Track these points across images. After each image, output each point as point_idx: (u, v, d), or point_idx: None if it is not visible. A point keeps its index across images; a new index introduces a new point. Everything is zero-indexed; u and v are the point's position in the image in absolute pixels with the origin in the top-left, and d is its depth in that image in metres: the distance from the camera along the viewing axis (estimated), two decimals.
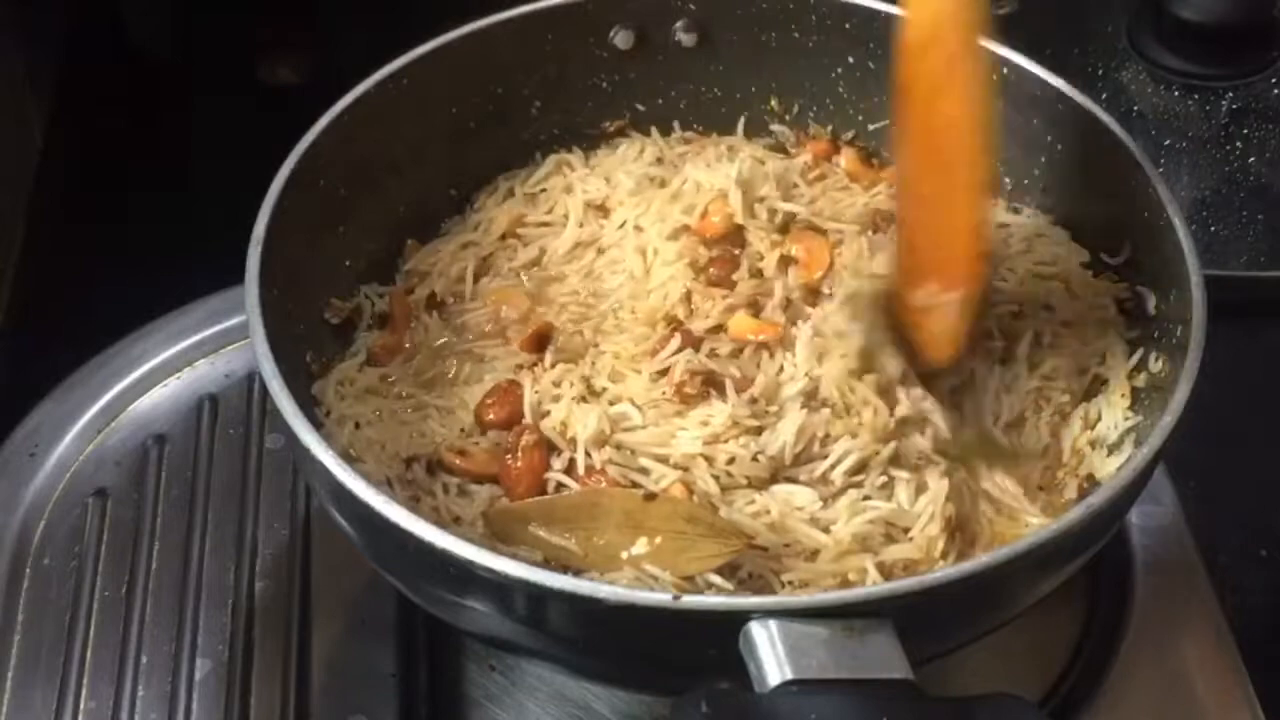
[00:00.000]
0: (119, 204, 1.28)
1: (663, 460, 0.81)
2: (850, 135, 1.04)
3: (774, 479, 0.81)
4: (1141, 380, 0.88)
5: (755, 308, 0.88)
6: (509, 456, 0.83)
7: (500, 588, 0.70)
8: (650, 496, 0.79)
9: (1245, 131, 1.24)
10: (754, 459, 0.81)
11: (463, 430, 0.86)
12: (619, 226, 0.95)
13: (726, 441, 0.81)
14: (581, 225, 0.97)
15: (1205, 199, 1.20)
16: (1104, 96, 1.25)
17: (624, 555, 0.77)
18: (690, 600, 0.68)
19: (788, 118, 1.04)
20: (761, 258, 0.91)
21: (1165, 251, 0.85)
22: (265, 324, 0.79)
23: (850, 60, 1.00)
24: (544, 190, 1.00)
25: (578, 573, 0.76)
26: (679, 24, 1.01)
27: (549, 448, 0.83)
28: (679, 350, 0.85)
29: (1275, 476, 1.10)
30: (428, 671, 0.91)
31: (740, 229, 0.93)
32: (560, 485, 0.82)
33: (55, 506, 0.98)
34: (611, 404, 0.84)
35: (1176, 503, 0.98)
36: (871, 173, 1.01)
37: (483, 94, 0.99)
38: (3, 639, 0.92)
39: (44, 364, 1.08)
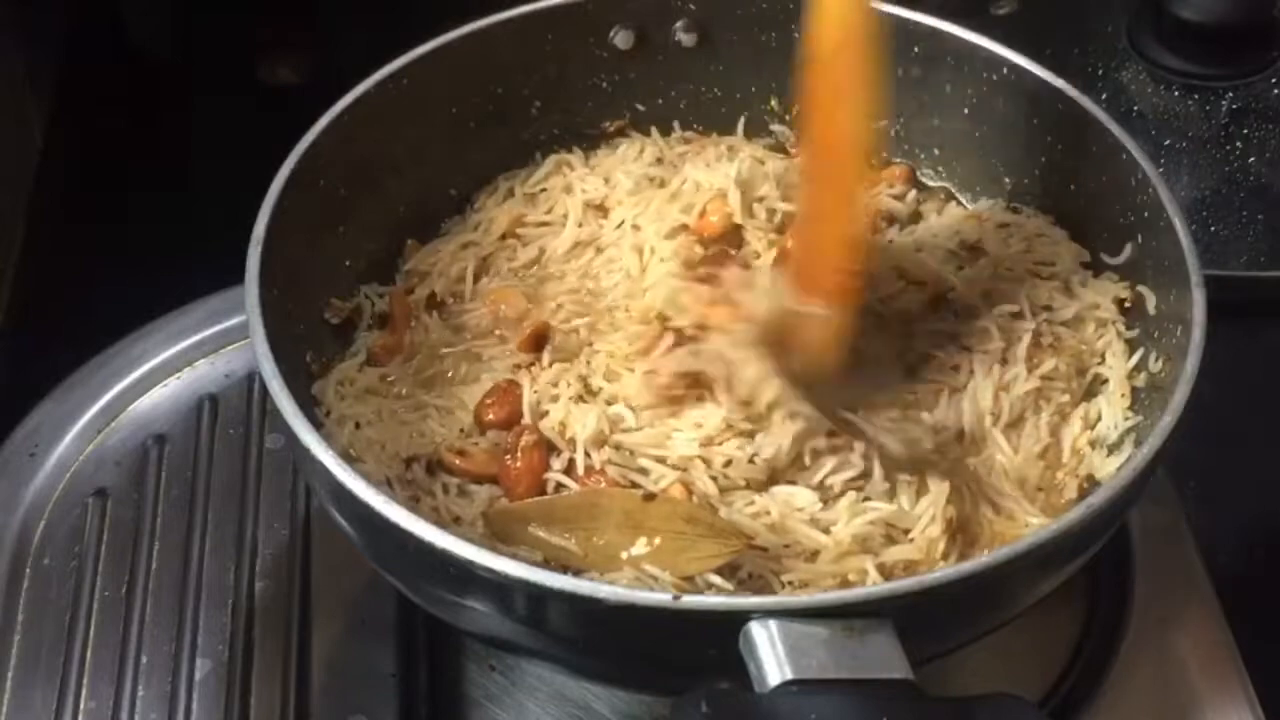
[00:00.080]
0: (119, 204, 1.28)
1: (661, 461, 0.81)
2: None
3: (773, 480, 0.81)
4: (1141, 380, 0.88)
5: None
6: (508, 457, 0.83)
7: (500, 588, 0.70)
8: (650, 497, 0.79)
9: (1245, 131, 1.24)
10: (750, 461, 0.81)
11: (462, 430, 0.86)
12: (617, 226, 0.95)
13: (722, 444, 0.81)
14: (581, 225, 0.97)
15: (1205, 199, 1.20)
16: (1104, 96, 1.25)
17: (624, 555, 0.77)
18: (690, 600, 0.68)
19: (788, 118, 1.04)
20: (758, 256, 0.91)
21: (1165, 251, 0.85)
22: (265, 324, 0.79)
23: None
24: (544, 190, 1.00)
25: (578, 573, 0.76)
26: (679, 24, 1.01)
27: (548, 448, 0.83)
28: (670, 349, 0.85)
29: (1275, 476, 1.10)
30: (428, 671, 0.91)
31: (739, 229, 0.93)
32: (560, 485, 0.82)
33: (55, 506, 0.98)
34: (609, 404, 0.84)
35: (1176, 503, 0.98)
36: (871, 173, 1.01)
37: (483, 94, 0.99)
38: (3, 639, 0.91)
39: (44, 364, 1.08)
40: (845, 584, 0.77)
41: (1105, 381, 0.89)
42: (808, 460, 0.81)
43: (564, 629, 0.71)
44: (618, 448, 0.82)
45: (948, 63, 0.97)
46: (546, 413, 0.84)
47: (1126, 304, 0.91)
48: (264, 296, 0.80)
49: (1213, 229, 1.18)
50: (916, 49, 0.98)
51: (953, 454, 0.84)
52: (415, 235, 0.98)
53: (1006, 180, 0.99)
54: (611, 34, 1.01)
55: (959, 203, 1.01)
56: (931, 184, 1.02)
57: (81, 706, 0.88)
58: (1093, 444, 0.87)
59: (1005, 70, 0.94)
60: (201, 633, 0.91)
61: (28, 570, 0.95)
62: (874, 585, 0.76)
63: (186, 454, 1.00)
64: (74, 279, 1.20)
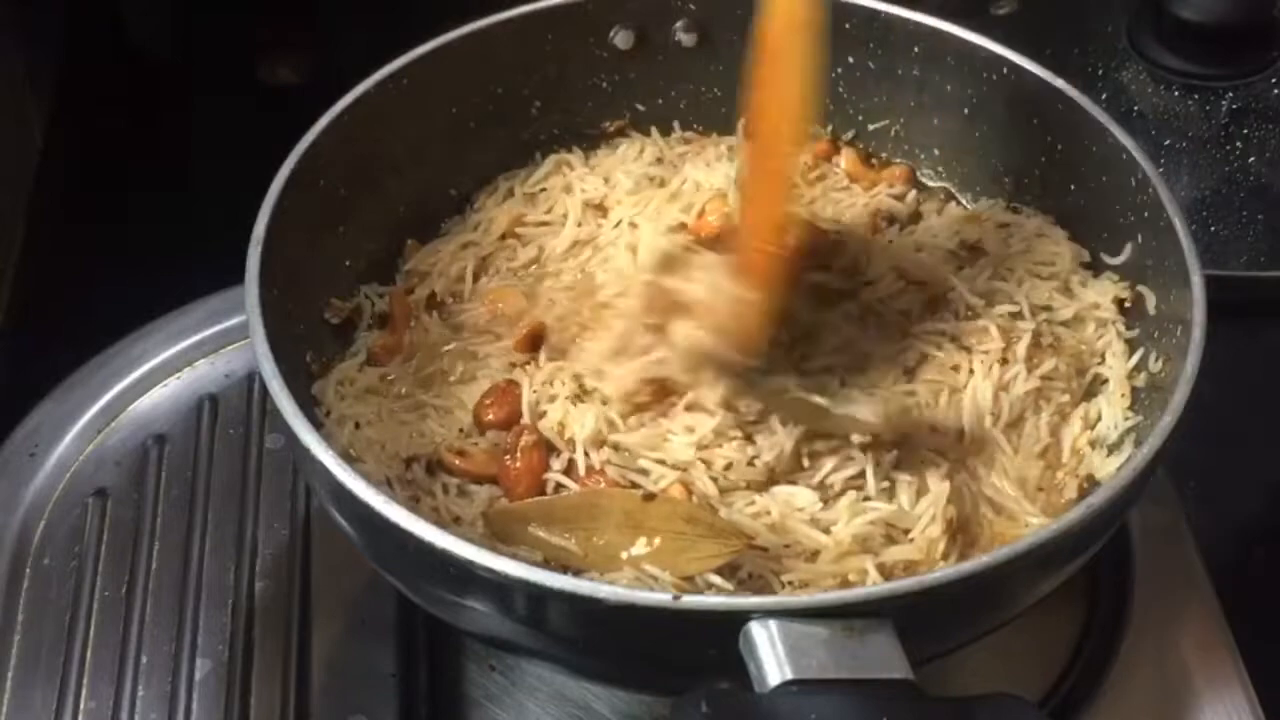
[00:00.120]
0: (119, 204, 1.28)
1: (661, 461, 0.81)
2: (850, 135, 1.04)
3: (773, 480, 0.81)
4: (1141, 380, 0.88)
5: None
6: (508, 457, 0.83)
7: (500, 588, 0.70)
8: (650, 497, 0.79)
9: (1245, 131, 1.24)
10: (749, 463, 0.81)
11: (462, 430, 0.86)
12: (615, 225, 0.95)
13: (721, 446, 0.81)
14: (580, 225, 0.97)
15: (1205, 199, 1.20)
16: (1104, 96, 1.25)
17: (624, 555, 0.77)
18: (690, 600, 0.68)
19: None
20: None
21: (1165, 251, 0.85)
22: (265, 324, 0.79)
23: (850, 60, 1.00)
24: (544, 190, 1.00)
25: (578, 573, 0.76)
26: (679, 24, 1.02)
27: (548, 448, 0.83)
28: (643, 352, 0.84)
29: (1275, 476, 1.10)
30: (428, 671, 0.91)
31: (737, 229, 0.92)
32: (559, 486, 0.82)
33: (55, 506, 0.98)
34: (604, 404, 0.84)
35: (1177, 503, 0.98)
36: (871, 173, 1.01)
37: (483, 94, 0.99)
38: (3, 639, 0.92)
39: (44, 364, 1.08)
40: (845, 584, 0.77)
41: (1105, 381, 0.89)
42: (807, 461, 0.81)
43: (564, 629, 0.71)
44: (617, 448, 0.82)
45: (948, 63, 0.97)
46: (545, 413, 0.84)
47: (1126, 304, 0.91)
48: (264, 296, 0.80)
49: (1213, 229, 1.18)
50: (916, 49, 0.98)
51: (953, 454, 0.84)
52: (415, 235, 0.98)
53: (1006, 180, 0.99)
54: (611, 34, 1.01)
55: (959, 203, 1.01)
56: (931, 184, 1.02)
57: (81, 706, 0.88)
58: (1093, 444, 0.87)
59: (1005, 70, 0.94)
60: (201, 633, 0.91)
61: (28, 570, 0.95)
62: (874, 585, 0.76)
63: (186, 454, 1.00)
64: (74, 279, 1.20)
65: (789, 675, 0.65)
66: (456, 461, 0.84)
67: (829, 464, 0.81)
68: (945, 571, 0.69)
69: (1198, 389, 0.78)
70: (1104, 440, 0.87)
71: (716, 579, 0.76)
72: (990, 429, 0.86)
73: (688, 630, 0.68)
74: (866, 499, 0.80)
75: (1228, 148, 1.23)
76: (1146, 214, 0.87)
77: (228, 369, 1.05)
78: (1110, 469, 0.85)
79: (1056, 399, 0.88)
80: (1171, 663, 0.92)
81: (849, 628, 0.67)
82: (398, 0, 1.22)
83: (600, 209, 0.98)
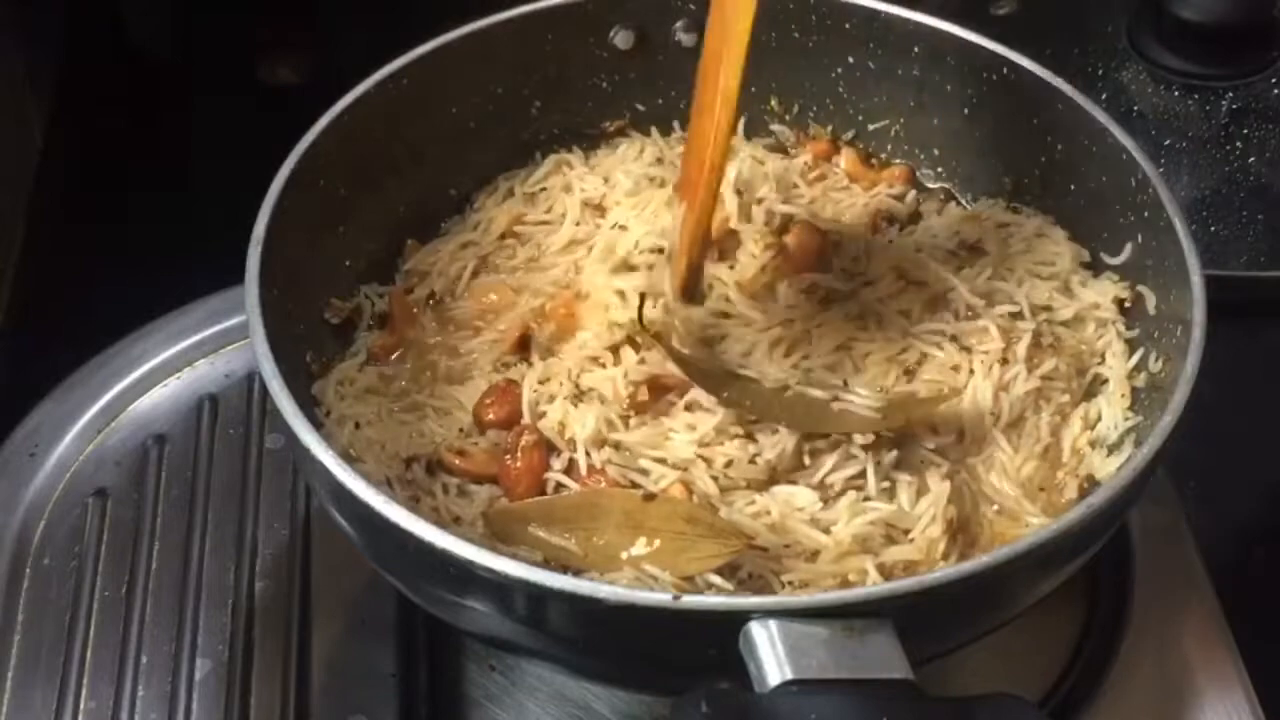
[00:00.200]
0: (119, 204, 1.28)
1: (661, 461, 0.81)
2: (850, 135, 1.04)
3: (773, 480, 0.81)
4: (1141, 380, 0.88)
5: None
6: (508, 457, 0.83)
7: (500, 588, 0.70)
8: (650, 497, 0.79)
9: (1245, 131, 1.24)
10: (751, 462, 0.81)
11: (462, 430, 0.86)
12: (612, 226, 0.95)
13: (722, 444, 0.81)
14: (578, 224, 0.97)
15: (1205, 199, 1.20)
16: (1104, 96, 1.25)
17: (624, 555, 0.77)
18: (690, 600, 0.68)
19: (788, 118, 1.04)
20: (754, 257, 0.91)
21: (1165, 251, 0.85)
22: (265, 324, 0.79)
23: (850, 60, 1.00)
24: (543, 190, 1.00)
25: (578, 573, 0.76)
26: (679, 24, 1.02)
27: (548, 448, 0.83)
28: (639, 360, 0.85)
29: (1275, 476, 1.10)
30: (428, 671, 0.91)
31: (735, 233, 0.92)
32: (560, 485, 0.82)
33: (55, 506, 0.98)
34: (604, 403, 0.84)
35: (1176, 503, 0.98)
36: (871, 173, 1.02)
37: (483, 94, 0.99)
38: (3, 639, 0.92)
39: (44, 364, 1.08)
40: (845, 584, 0.77)
41: (1105, 381, 0.89)
42: (808, 459, 0.81)
43: (564, 629, 0.71)
44: (618, 447, 0.82)
45: (948, 63, 0.97)
46: (545, 413, 0.84)
47: (1126, 304, 0.91)
48: (264, 296, 0.80)
49: (1213, 229, 1.18)
50: (916, 49, 0.98)
51: (953, 454, 0.84)
52: (415, 235, 0.98)
53: (1006, 180, 0.99)
54: (611, 34, 1.01)
55: (959, 203, 1.01)
56: (931, 184, 1.02)
57: (81, 706, 0.88)
58: (1093, 444, 0.87)
59: (1005, 70, 0.94)
60: (201, 633, 0.91)
61: (28, 570, 0.95)
62: (874, 585, 0.76)
63: (186, 454, 1.00)
64: (74, 279, 1.20)
65: (789, 675, 0.65)
66: (456, 461, 0.84)
67: (830, 462, 0.81)
68: (945, 571, 0.69)
69: (1198, 389, 0.77)
70: (1104, 440, 0.87)
71: (716, 579, 0.76)
72: (990, 429, 0.86)
73: (688, 630, 0.68)
74: (867, 499, 0.80)
75: (1228, 148, 1.23)
76: (1146, 214, 0.87)
77: (228, 369, 1.05)
78: (1110, 469, 0.85)
79: (1056, 399, 0.88)
80: (1171, 662, 0.92)
81: (849, 628, 0.67)
82: (398, 0, 1.22)
83: (599, 209, 0.98)
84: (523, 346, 0.90)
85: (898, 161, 1.03)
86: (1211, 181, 1.22)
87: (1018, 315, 0.90)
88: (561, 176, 1.00)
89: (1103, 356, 0.90)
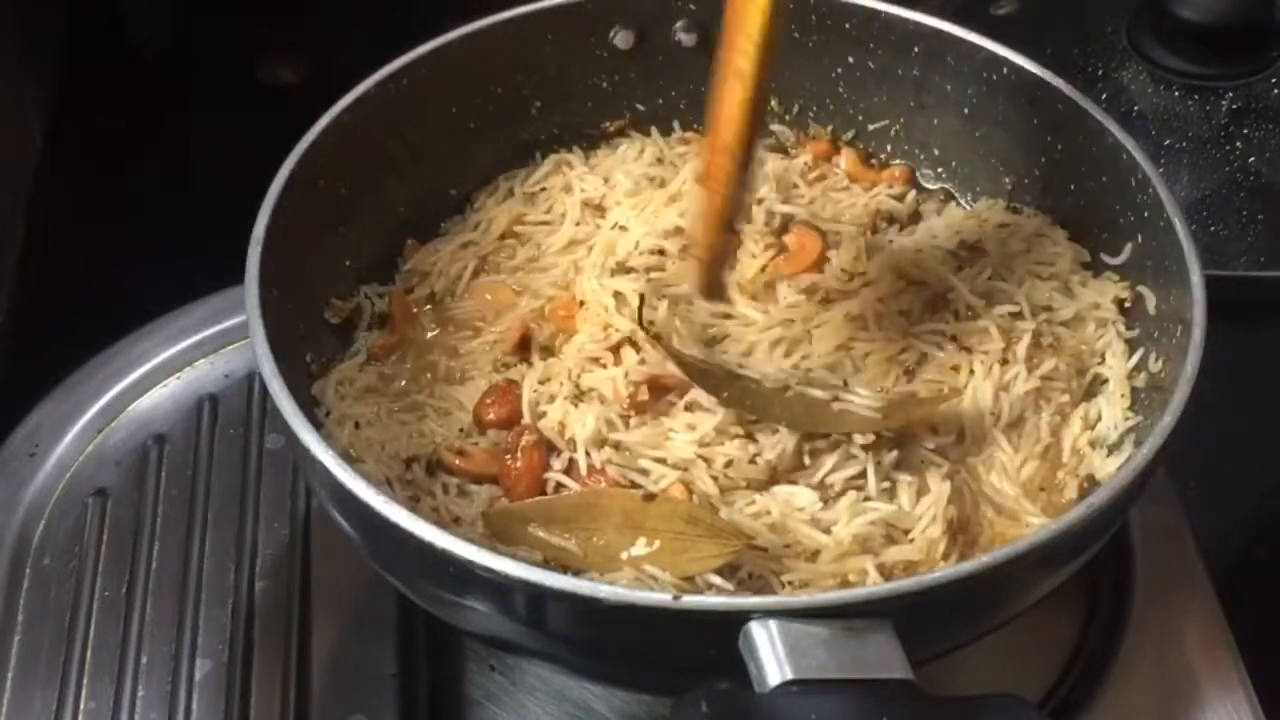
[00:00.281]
0: (119, 204, 1.28)
1: (661, 461, 0.81)
2: (850, 135, 1.04)
3: (773, 480, 0.81)
4: (1141, 380, 0.88)
5: None
6: (508, 457, 0.83)
7: (500, 588, 0.70)
8: (650, 497, 0.79)
9: (1245, 131, 1.24)
10: (751, 462, 0.81)
11: (462, 430, 0.86)
12: (612, 226, 0.95)
13: (722, 444, 0.81)
14: (578, 224, 0.97)
15: (1205, 199, 1.20)
16: (1104, 96, 1.25)
17: (624, 556, 0.77)
18: (690, 600, 0.68)
19: (788, 118, 1.04)
20: (755, 257, 0.91)
21: (1165, 251, 0.85)
22: (265, 324, 0.79)
23: (850, 60, 1.00)
24: (543, 190, 1.00)
25: (577, 573, 0.76)
26: (679, 24, 1.02)
27: (548, 448, 0.83)
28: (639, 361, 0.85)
29: (1275, 476, 1.10)
30: (428, 671, 0.91)
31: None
32: (560, 485, 0.82)
33: (55, 506, 0.98)
34: (604, 403, 0.84)
35: (1176, 503, 0.98)
36: (871, 173, 1.02)
37: (483, 94, 0.99)
38: (3, 639, 0.91)
39: (44, 364, 1.08)
40: (845, 584, 0.77)
41: (1105, 381, 0.89)
42: (808, 459, 0.81)
43: (564, 629, 0.71)
44: (618, 447, 0.82)
45: (948, 63, 0.97)
46: (545, 413, 0.84)
47: (1126, 304, 0.91)
48: (264, 296, 0.80)
49: (1213, 229, 1.18)
50: (916, 49, 0.98)
51: (953, 454, 0.84)
52: (415, 235, 0.98)
53: (1006, 180, 0.99)
54: (611, 34, 1.01)
55: (959, 203, 1.01)
56: (931, 184, 1.02)
57: (81, 706, 0.88)
58: (1093, 444, 0.87)
59: (1005, 70, 0.94)
60: (201, 633, 0.91)
61: (28, 570, 0.95)
62: (874, 585, 0.76)
63: (186, 454, 1.00)
64: (74, 279, 1.20)
65: (789, 675, 0.65)
66: (456, 461, 0.84)
67: (830, 462, 0.81)
68: (945, 571, 0.69)
69: (1198, 389, 0.78)
70: (1104, 440, 0.87)
71: (716, 579, 0.76)
72: (990, 429, 0.86)
73: (688, 630, 0.68)
74: (867, 499, 0.81)
75: (1228, 148, 1.23)
76: (1146, 214, 0.87)
77: (228, 369, 1.05)
78: (1110, 469, 0.85)
79: (1056, 399, 0.88)
80: (1172, 662, 0.92)
81: (849, 628, 0.67)
82: (398, 0, 1.22)
83: (599, 209, 0.98)
84: (523, 347, 0.90)
85: (898, 161, 1.03)
86: (1211, 181, 1.22)
87: (1018, 315, 0.90)
88: (561, 176, 1.00)
89: (1103, 356, 0.90)
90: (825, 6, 0.99)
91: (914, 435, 0.83)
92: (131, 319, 1.08)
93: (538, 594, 0.69)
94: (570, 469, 0.83)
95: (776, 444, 0.81)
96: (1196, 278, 0.82)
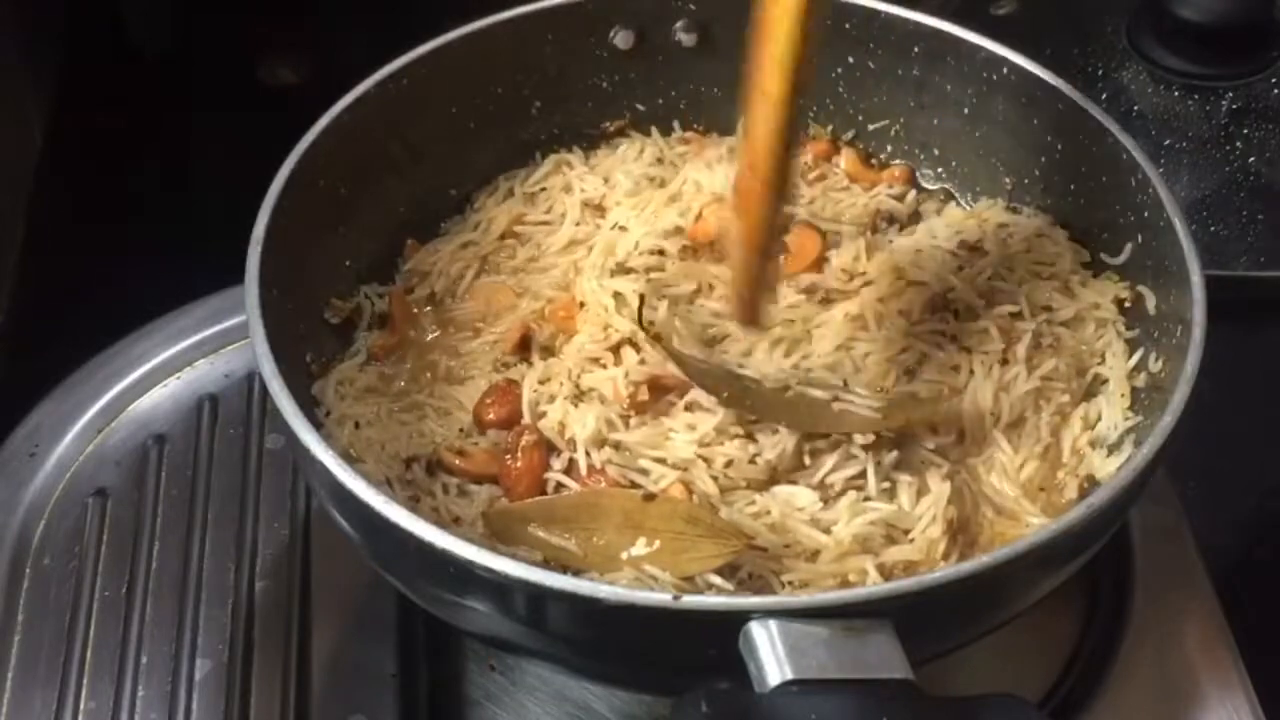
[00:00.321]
0: (119, 204, 1.28)
1: (661, 461, 0.81)
2: (850, 135, 1.04)
3: (773, 480, 0.81)
4: (1141, 380, 0.88)
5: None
6: (508, 457, 0.83)
7: (500, 588, 0.70)
8: (650, 497, 0.79)
9: (1245, 131, 1.24)
10: (751, 461, 0.81)
11: (462, 430, 0.86)
12: (611, 226, 0.95)
13: (722, 444, 0.81)
14: (578, 224, 0.97)
15: (1205, 199, 1.20)
16: (1104, 96, 1.25)
17: (624, 556, 0.77)
18: (690, 600, 0.68)
19: None
20: None
21: (1165, 251, 0.85)
22: (265, 324, 0.79)
23: (850, 60, 1.00)
24: (543, 190, 1.00)
25: (577, 573, 0.76)
26: (679, 24, 1.02)
27: (548, 448, 0.83)
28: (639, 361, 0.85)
29: (1275, 476, 1.10)
30: (428, 671, 0.91)
31: None
32: (560, 485, 0.82)
33: (55, 506, 0.98)
34: (604, 403, 0.84)
35: (1176, 503, 0.98)
36: (871, 173, 1.02)
37: (483, 94, 0.99)
38: (3, 639, 0.91)
39: (44, 364, 1.08)
40: (845, 584, 0.77)
41: (1105, 381, 0.89)
42: (808, 459, 0.81)
43: (564, 629, 0.71)
44: (618, 447, 0.82)
45: (948, 63, 0.97)
46: (545, 413, 0.84)
47: (1126, 304, 0.91)
48: (264, 296, 0.80)
49: (1213, 229, 1.18)
50: (916, 49, 0.98)
51: (953, 455, 0.84)
52: (415, 235, 0.98)
53: (1006, 180, 0.99)
54: (611, 34, 1.01)
55: (959, 203, 1.01)
56: (931, 184, 1.02)
57: (81, 706, 0.88)
58: (1093, 444, 0.87)
59: (1005, 70, 0.94)
60: (201, 633, 0.91)
61: (28, 570, 0.95)
62: (874, 585, 0.76)
63: (186, 454, 1.00)
64: (74, 279, 1.20)
65: (789, 675, 0.65)
66: (456, 461, 0.84)
67: (830, 462, 0.81)
68: (945, 571, 0.69)
69: (1198, 389, 0.78)
70: (1104, 440, 0.87)
71: (716, 579, 0.76)
72: (990, 429, 0.86)
73: (688, 630, 0.68)
74: (867, 499, 0.81)
75: (1228, 148, 1.23)
76: (1146, 214, 0.87)
77: (228, 369, 1.05)
78: (1110, 469, 0.85)
79: (1056, 399, 0.88)
80: (1172, 662, 0.92)
81: (849, 628, 0.67)
82: (398, 0, 1.22)
83: (599, 209, 0.98)
84: (523, 347, 0.90)
85: (898, 161, 1.03)
86: (1211, 181, 1.22)
87: (1018, 315, 0.90)
88: (561, 176, 1.00)
89: (1103, 356, 0.90)
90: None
91: (914, 435, 0.83)
92: (131, 319, 1.08)
93: (538, 594, 0.69)
94: (570, 469, 0.83)
95: (776, 444, 0.81)
96: (1196, 278, 0.82)
